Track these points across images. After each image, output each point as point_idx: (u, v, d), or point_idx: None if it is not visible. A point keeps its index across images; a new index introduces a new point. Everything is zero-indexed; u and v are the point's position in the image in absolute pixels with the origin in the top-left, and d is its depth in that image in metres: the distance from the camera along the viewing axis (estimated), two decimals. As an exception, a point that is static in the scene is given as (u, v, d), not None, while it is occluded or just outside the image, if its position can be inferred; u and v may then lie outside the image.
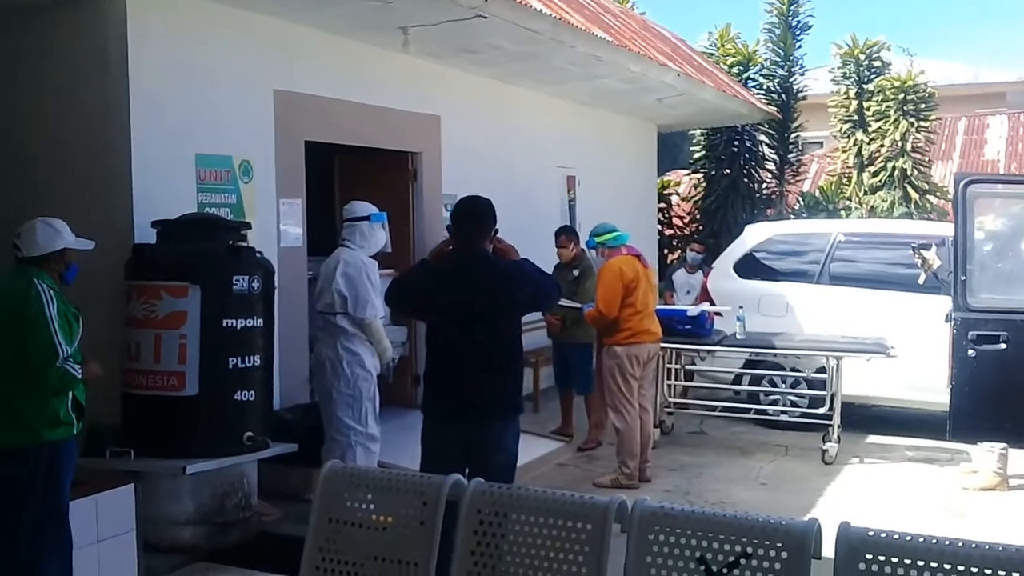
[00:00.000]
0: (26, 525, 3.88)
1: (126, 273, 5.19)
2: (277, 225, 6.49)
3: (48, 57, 5.72)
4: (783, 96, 14.01)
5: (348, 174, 8.44)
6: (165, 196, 5.53)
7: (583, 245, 7.63)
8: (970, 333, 6.29)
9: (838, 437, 7.31)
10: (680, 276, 10.08)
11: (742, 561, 2.55)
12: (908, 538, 2.43)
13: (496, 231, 4.32)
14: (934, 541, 2.40)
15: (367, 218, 5.90)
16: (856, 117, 13.71)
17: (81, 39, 5.59)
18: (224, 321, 5.02)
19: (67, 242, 4.07)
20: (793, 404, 8.18)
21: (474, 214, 4.29)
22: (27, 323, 3.82)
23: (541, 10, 7.03)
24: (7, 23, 5.75)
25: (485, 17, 6.45)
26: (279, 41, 6.48)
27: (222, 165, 6.02)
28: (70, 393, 3.96)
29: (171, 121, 5.67)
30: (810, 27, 14.38)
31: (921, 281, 7.60)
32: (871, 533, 2.48)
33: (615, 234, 6.82)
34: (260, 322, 5.21)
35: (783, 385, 8.33)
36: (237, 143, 6.14)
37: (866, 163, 13.53)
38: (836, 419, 7.31)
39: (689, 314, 7.84)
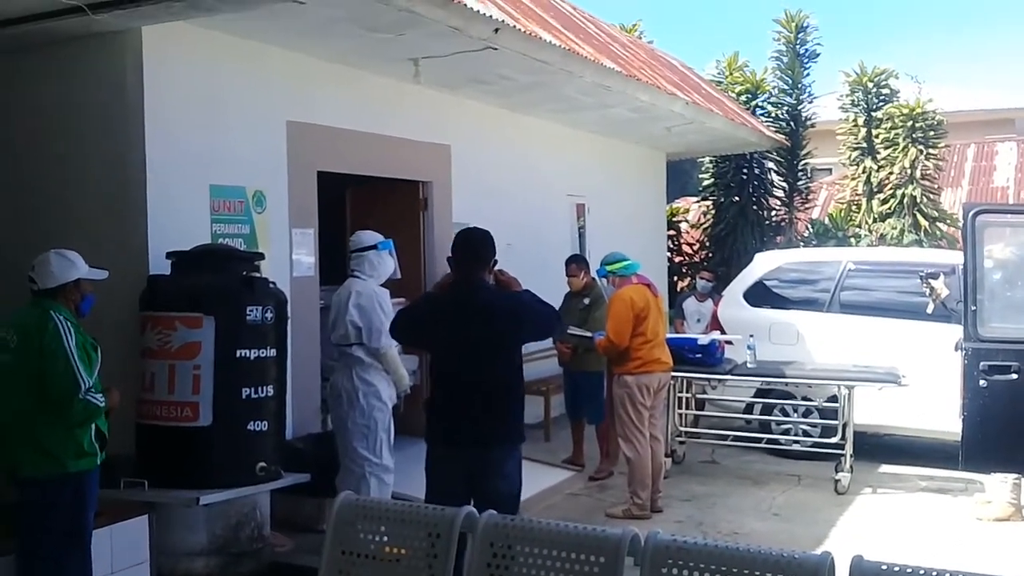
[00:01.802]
0: (48, 555, 3.90)
1: (141, 304, 5.23)
2: (290, 255, 6.53)
3: (65, 89, 5.79)
4: (791, 124, 14.06)
5: (359, 203, 8.50)
6: (180, 227, 5.58)
7: (594, 274, 7.66)
8: (981, 363, 6.26)
9: (851, 467, 7.28)
10: (690, 304, 10.08)
11: (756, 595, 2.56)
12: (922, 571, 2.43)
13: (495, 262, 4.37)
14: (947, 574, 2.39)
15: (374, 247, 5.94)
16: (865, 144, 13.74)
17: (98, 71, 5.67)
18: (238, 352, 5.05)
19: (81, 272, 4.12)
20: (805, 433, 8.15)
21: (471, 246, 4.37)
22: (47, 356, 3.86)
23: (550, 41, 7.10)
24: (24, 57, 5.83)
25: (495, 48, 6.52)
26: (292, 73, 6.56)
27: (236, 196, 6.08)
28: (93, 424, 3.99)
29: (186, 153, 5.74)
30: (818, 55, 14.47)
31: (930, 311, 7.60)
32: (884, 567, 2.48)
33: (626, 263, 6.84)
34: (273, 352, 5.24)
35: (795, 414, 8.31)
36: (250, 174, 6.20)
37: (875, 190, 13.55)
38: (848, 448, 7.28)
39: (700, 343, 7.83)
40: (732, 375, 7.86)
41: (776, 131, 13.56)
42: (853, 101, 13.94)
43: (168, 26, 5.44)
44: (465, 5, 5.84)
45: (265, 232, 6.28)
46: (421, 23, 5.77)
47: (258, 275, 5.41)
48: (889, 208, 13.29)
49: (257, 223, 6.23)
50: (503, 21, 6.32)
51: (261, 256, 5.73)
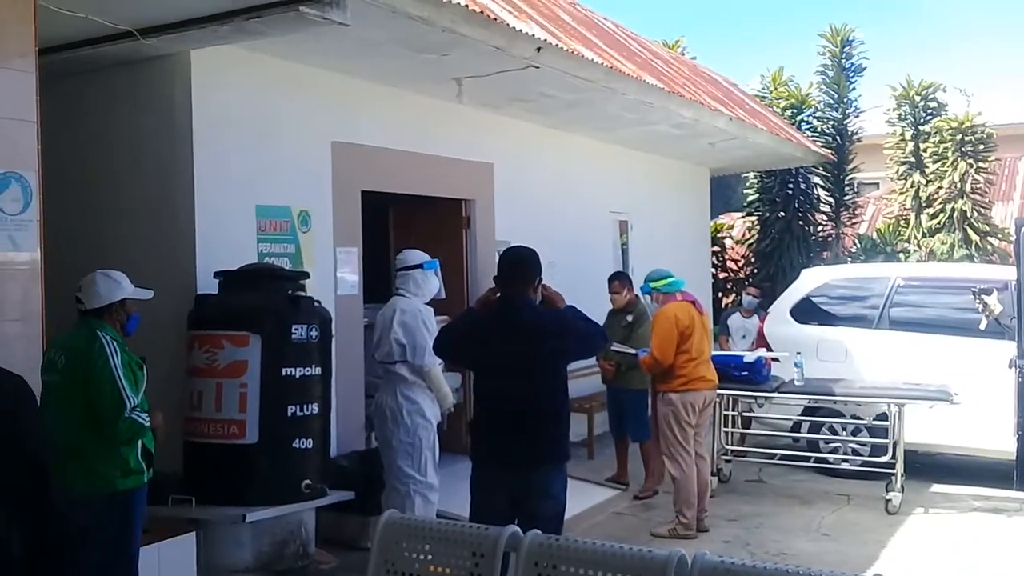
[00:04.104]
0: (97, 572, 3.94)
1: (189, 323, 5.31)
2: (334, 273, 6.59)
3: (114, 111, 5.92)
4: (838, 138, 13.94)
5: (403, 222, 8.56)
6: (227, 247, 5.67)
7: (637, 291, 7.62)
8: (1036, 380, 6.13)
9: (902, 486, 7.13)
10: (735, 320, 9.98)
11: (805, 618, 2.51)
12: (977, 595, 2.37)
13: (540, 280, 4.36)
14: (1005, 599, 2.34)
15: (420, 266, 5.96)
16: (912, 159, 13.58)
17: (147, 95, 5.79)
18: (283, 370, 5.11)
19: (126, 292, 4.18)
20: (854, 452, 8.02)
21: (518, 264, 4.36)
22: (93, 376, 3.92)
23: (592, 59, 7.11)
24: (75, 81, 5.97)
25: (537, 67, 6.55)
26: (337, 94, 6.64)
27: (281, 216, 6.16)
28: (139, 442, 4.04)
29: (233, 173, 5.83)
30: (864, 69, 14.37)
31: (983, 327, 7.45)
32: (938, 590, 2.42)
33: (670, 280, 6.79)
34: (318, 370, 5.28)
35: (844, 432, 8.17)
36: (296, 194, 6.28)
37: (924, 205, 13.36)
38: (899, 467, 7.14)
39: (746, 360, 7.74)
40: (779, 393, 7.75)
41: (822, 146, 13.45)
42: (900, 115, 13.80)
43: (216, 49, 5.55)
44: (508, 25, 5.87)
45: (310, 251, 6.35)
46: (464, 43, 5.82)
47: (303, 294, 5.48)
48: (938, 223, 13.10)
49: (302, 242, 6.30)
50: (545, 40, 6.34)
51: (306, 275, 5.79)
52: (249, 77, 5.99)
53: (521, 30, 6.06)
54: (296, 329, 5.16)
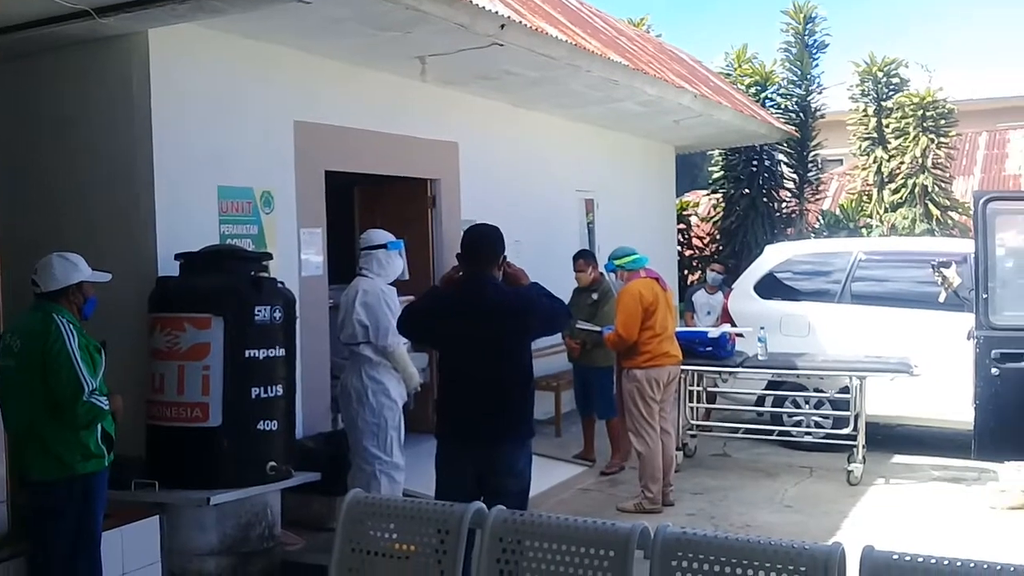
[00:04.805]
0: (59, 557, 3.92)
1: (150, 305, 5.24)
2: (298, 255, 6.54)
3: (72, 93, 5.82)
4: (801, 115, 14.00)
5: (368, 202, 8.52)
6: (188, 228, 5.60)
7: (602, 269, 7.65)
8: (993, 351, 6.24)
9: (863, 457, 7.25)
10: (700, 297, 10.05)
11: (765, 587, 2.55)
12: (933, 561, 2.41)
13: (504, 258, 4.36)
14: (959, 564, 2.38)
15: (383, 246, 5.95)
16: (875, 134, 13.68)
17: (105, 75, 5.68)
18: (247, 352, 5.06)
19: (84, 275, 4.13)
20: (817, 425, 8.13)
21: (481, 242, 4.35)
22: (50, 360, 3.87)
23: (557, 36, 7.09)
24: (31, 62, 5.86)
25: (501, 45, 6.51)
26: (299, 73, 6.57)
27: (244, 197, 6.09)
28: (99, 426, 4.00)
29: (194, 154, 5.75)
30: (827, 46, 14.40)
31: (941, 299, 7.57)
32: (895, 556, 2.47)
33: (634, 257, 6.82)
34: (282, 352, 5.24)
35: (807, 406, 8.28)
36: (258, 174, 6.22)
37: (886, 180, 13.49)
38: (861, 439, 7.26)
39: (710, 336, 7.82)
40: (743, 368, 7.84)
41: (786, 123, 13.51)
42: (863, 91, 13.86)
43: (174, 28, 5.45)
44: (471, 2, 5.83)
45: (273, 232, 6.29)
46: (427, 21, 5.77)
47: (266, 275, 5.43)
48: (900, 198, 13.23)
49: (265, 223, 6.25)
50: (509, 17, 6.31)
51: (269, 256, 5.74)
52: (209, 56, 5.90)
53: (484, 7, 6.02)
54: (259, 311, 5.11)
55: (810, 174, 14.27)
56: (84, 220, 5.68)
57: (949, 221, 13.05)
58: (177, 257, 5.36)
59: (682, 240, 14.36)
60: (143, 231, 5.53)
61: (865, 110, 13.81)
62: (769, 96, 14.16)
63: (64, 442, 3.92)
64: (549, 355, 8.23)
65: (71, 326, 3.96)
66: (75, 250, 4.27)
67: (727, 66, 14.87)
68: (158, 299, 5.23)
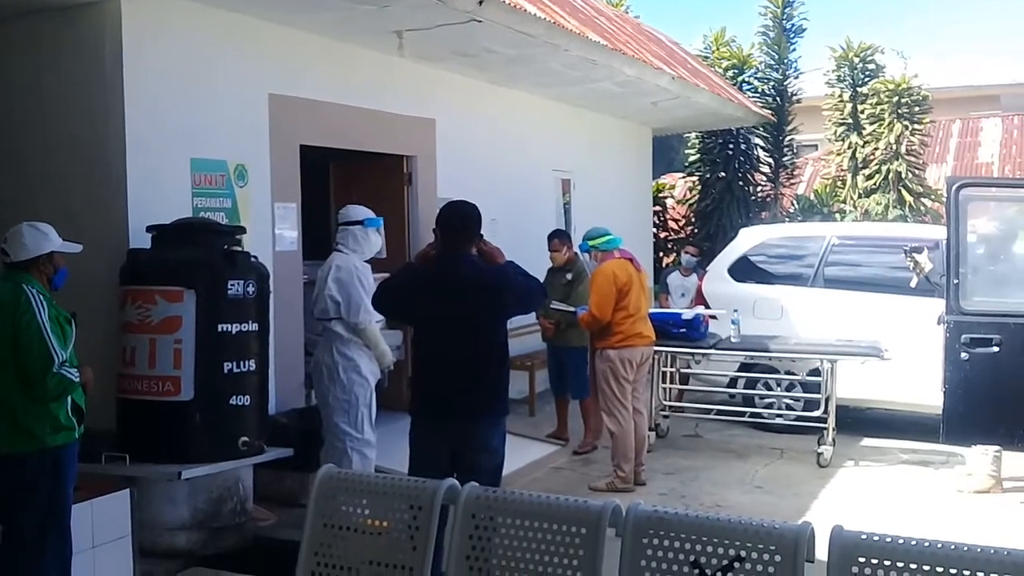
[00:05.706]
0: (30, 529, 3.88)
1: (121, 278, 5.18)
2: (272, 229, 6.49)
3: (42, 62, 5.71)
4: (778, 99, 14.06)
5: (343, 178, 8.45)
6: (160, 201, 5.53)
7: (576, 249, 7.64)
8: (963, 336, 6.30)
9: (833, 440, 7.33)
10: (675, 279, 10.08)
11: (736, 565, 2.56)
12: (901, 541, 2.44)
13: (481, 235, 4.35)
14: (926, 544, 2.41)
15: (360, 222, 5.91)
16: (850, 120, 13.75)
17: (76, 44, 5.59)
18: (219, 326, 5.02)
19: (54, 245, 4.07)
20: (788, 407, 8.19)
21: (458, 219, 4.34)
22: (20, 330, 3.82)
23: (535, 14, 7.05)
24: (1, 25, 5.74)
25: (480, 21, 6.47)
26: (274, 45, 6.49)
27: (217, 170, 6.03)
28: (69, 398, 3.96)
29: (166, 126, 5.67)
30: (804, 30, 14.47)
31: (913, 284, 7.63)
32: (864, 536, 2.49)
33: (608, 238, 6.83)
34: (255, 326, 5.20)
35: (778, 388, 8.35)
36: (232, 148, 6.15)
37: (860, 166, 13.57)
38: (831, 422, 7.33)
39: (684, 317, 7.85)
40: (716, 349, 7.88)
41: (762, 106, 13.55)
42: (839, 76, 13.93)
43: (147, -3, 5.38)
44: (449, -24, 5.78)
45: (247, 206, 6.23)
46: (404, -6, 5.72)
47: (240, 249, 5.37)
48: (874, 184, 13.33)
49: (239, 197, 6.18)
50: (487, -7, 6.27)
51: (243, 230, 5.69)
52: (184, 27, 5.82)
53: (463, -17, 5.98)
54: (232, 285, 5.07)
55: (785, 159, 14.34)
56: (55, 191, 5.59)
57: (922, 207, 13.17)
58: (149, 229, 5.29)
59: (657, 222, 14.40)
60: (114, 203, 5.45)
61: (841, 96, 13.88)
62: (746, 80, 14.19)
63: (34, 414, 3.87)
64: (523, 335, 8.24)
65: (41, 297, 3.90)
66: (46, 221, 4.21)
67: (705, 49, 14.87)
68: (129, 271, 5.16)
